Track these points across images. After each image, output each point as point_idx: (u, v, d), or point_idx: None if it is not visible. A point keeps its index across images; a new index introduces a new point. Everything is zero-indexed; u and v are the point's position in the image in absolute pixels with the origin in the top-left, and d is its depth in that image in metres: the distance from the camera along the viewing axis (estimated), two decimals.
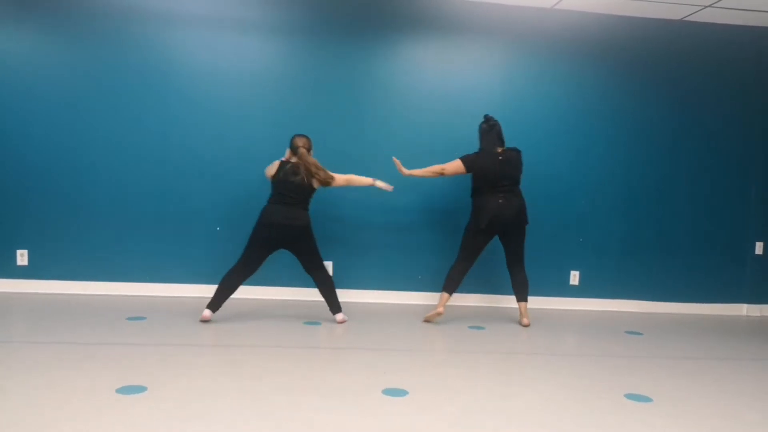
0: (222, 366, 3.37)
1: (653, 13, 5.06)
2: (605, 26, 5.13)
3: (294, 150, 4.20)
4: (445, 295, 4.47)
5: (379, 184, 4.39)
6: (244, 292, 4.53)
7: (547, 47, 5.11)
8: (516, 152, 4.48)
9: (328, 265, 5.03)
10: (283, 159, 4.25)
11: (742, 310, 5.48)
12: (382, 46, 5.03)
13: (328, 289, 4.33)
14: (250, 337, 3.93)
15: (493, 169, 4.37)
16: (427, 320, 4.50)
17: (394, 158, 4.51)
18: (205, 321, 4.13)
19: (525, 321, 4.54)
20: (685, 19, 5.15)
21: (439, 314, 4.44)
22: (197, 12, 4.83)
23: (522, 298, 4.56)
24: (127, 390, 2.88)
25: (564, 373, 3.52)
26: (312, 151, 4.27)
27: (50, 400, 2.75)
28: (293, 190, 4.13)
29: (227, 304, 4.22)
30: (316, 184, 4.19)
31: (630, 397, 3.15)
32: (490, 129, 4.46)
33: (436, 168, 4.46)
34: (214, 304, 4.17)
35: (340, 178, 4.28)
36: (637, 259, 5.31)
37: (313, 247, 4.27)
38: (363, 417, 2.75)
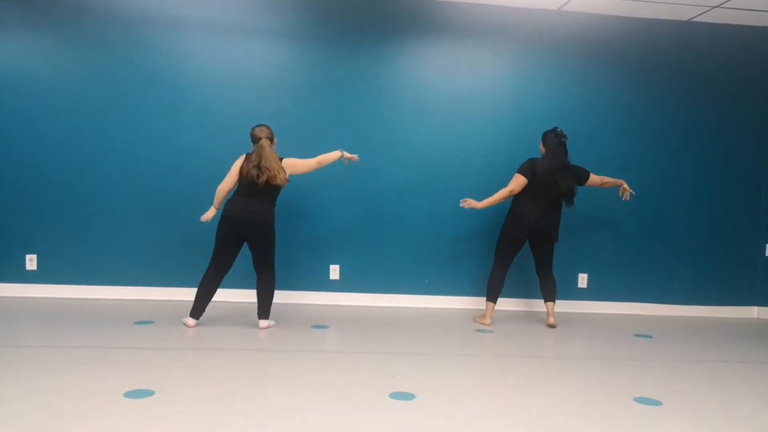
0: (229, 370, 3.37)
1: (660, 14, 5.03)
2: (612, 27, 5.11)
3: (254, 143, 4.05)
4: (491, 304, 4.59)
5: (346, 154, 4.20)
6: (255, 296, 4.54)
7: (554, 49, 5.10)
8: (583, 172, 4.52)
9: (335, 269, 5.03)
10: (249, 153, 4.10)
11: (753, 312, 5.42)
12: (390, 50, 5.03)
13: (265, 292, 4.13)
14: (258, 341, 3.93)
15: (547, 177, 4.39)
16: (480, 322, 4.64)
17: (463, 203, 4.47)
18: (189, 327, 4.10)
19: (551, 321, 4.59)
20: (693, 19, 5.12)
21: (487, 325, 4.56)
22: (206, 18, 4.85)
23: (550, 298, 4.63)
24: (135, 394, 2.88)
25: (573, 377, 3.49)
26: (275, 141, 4.12)
27: (58, 404, 2.75)
28: (254, 184, 3.99)
29: (240, 307, 4.21)
30: (280, 181, 4.01)
31: (639, 400, 3.12)
32: (559, 139, 4.43)
33: (504, 192, 4.45)
34: (196, 310, 4.10)
35: (310, 164, 4.12)
36: (646, 262, 5.28)
37: (268, 246, 4.09)
38: (370, 421, 2.74)
